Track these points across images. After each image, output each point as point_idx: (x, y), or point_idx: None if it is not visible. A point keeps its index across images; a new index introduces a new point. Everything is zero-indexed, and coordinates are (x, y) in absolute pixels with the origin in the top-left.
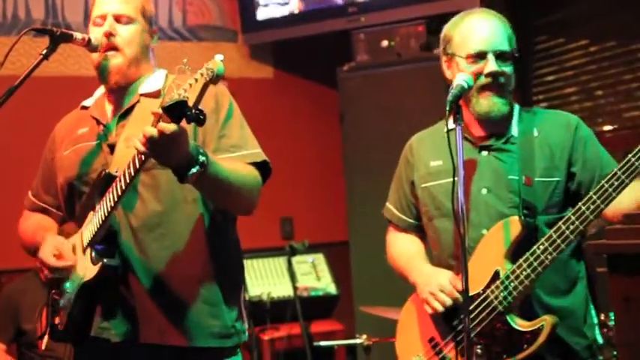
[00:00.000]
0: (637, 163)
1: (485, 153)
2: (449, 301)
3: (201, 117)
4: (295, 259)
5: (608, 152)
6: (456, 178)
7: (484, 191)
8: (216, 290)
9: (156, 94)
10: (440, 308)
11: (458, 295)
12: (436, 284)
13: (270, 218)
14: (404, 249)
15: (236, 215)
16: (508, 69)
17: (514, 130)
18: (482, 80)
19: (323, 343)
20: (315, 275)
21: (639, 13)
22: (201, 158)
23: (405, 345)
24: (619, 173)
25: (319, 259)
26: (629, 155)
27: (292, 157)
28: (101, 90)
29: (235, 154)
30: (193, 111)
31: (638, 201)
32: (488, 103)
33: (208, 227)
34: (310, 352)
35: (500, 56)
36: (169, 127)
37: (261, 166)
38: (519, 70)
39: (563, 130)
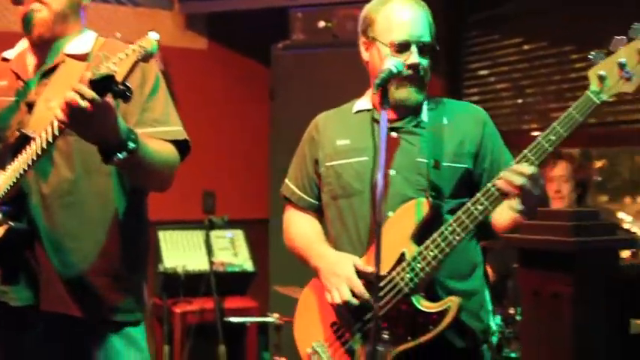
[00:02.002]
0: (546, 145)
1: (394, 135)
2: (349, 295)
3: (128, 93)
4: (214, 234)
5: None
6: (359, 159)
7: (392, 172)
8: (120, 264)
9: (82, 57)
10: (351, 300)
11: (361, 288)
12: (344, 277)
13: (192, 191)
14: (303, 230)
15: (149, 191)
16: (426, 61)
17: (424, 115)
18: (404, 71)
19: (234, 319)
20: (232, 251)
21: (572, 15)
22: (131, 145)
23: (305, 330)
24: (528, 155)
25: (238, 235)
26: (539, 137)
27: (220, 131)
28: (25, 43)
29: (157, 129)
30: (120, 86)
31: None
32: (406, 94)
33: (119, 200)
34: (221, 328)
35: (422, 48)
36: (91, 92)
37: (181, 143)
38: (452, 64)
39: (472, 123)
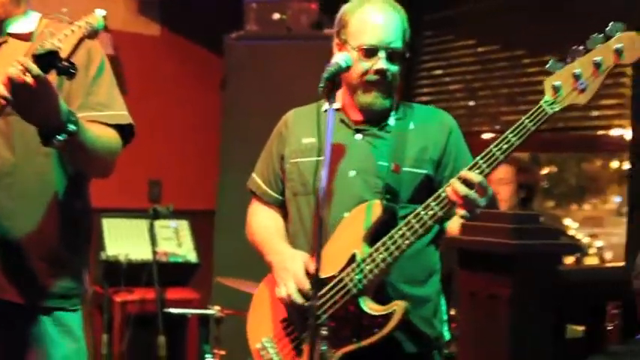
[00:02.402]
0: (498, 154)
1: (359, 136)
2: (299, 299)
3: (72, 70)
4: (158, 223)
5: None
6: (321, 158)
7: (352, 173)
8: (59, 249)
9: (26, 37)
10: (296, 298)
11: (308, 286)
12: (292, 273)
13: (138, 179)
14: (264, 224)
15: (90, 177)
16: (395, 68)
17: (391, 120)
18: (370, 76)
19: (174, 310)
20: (176, 241)
21: (526, 19)
22: (71, 127)
23: (257, 324)
24: (480, 162)
25: (183, 225)
26: (491, 146)
27: (170, 119)
28: None
29: (100, 112)
30: (64, 63)
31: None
32: (372, 99)
33: (60, 183)
34: (162, 318)
35: (391, 54)
36: (35, 67)
37: (125, 128)
38: (407, 62)
39: (437, 129)
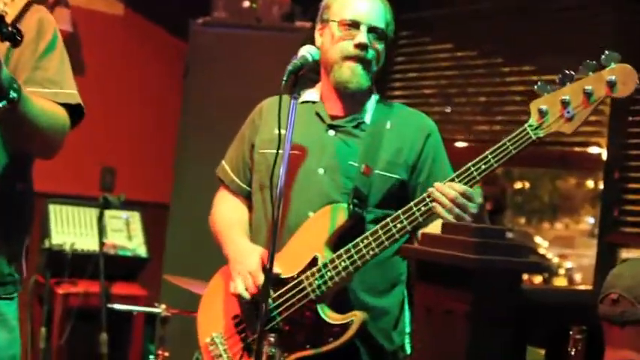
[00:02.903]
0: (475, 173)
1: (332, 133)
2: (252, 288)
3: (18, 37)
4: (109, 214)
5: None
6: (280, 152)
7: (321, 171)
8: None
9: None
10: (244, 292)
11: (260, 286)
12: (247, 268)
13: (90, 165)
14: (228, 215)
15: (34, 157)
16: (379, 46)
17: (367, 117)
18: (350, 50)
19: (118, 307)
20: (126, 234)
21: (507, 26)
22: (13, 94)
23: (208, 319)
24: (456, 180)
25: (134, 217)
26: (469, 164)
27: (129, 104)
28: None
29: (48, 90)
30: (10, 28)
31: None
32: (351, 73)
33: (1, 167)
34: (106, 314)
35: (373, 31)
36: None
37: (73, 110)
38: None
39: (416, 132)
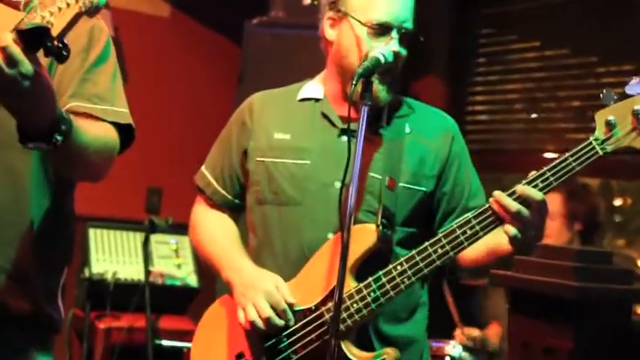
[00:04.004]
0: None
1: (345, 139)
2: (272, 313)
3: (64, 52)
4: (155, 238)
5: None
6: (302, 162)
7: (337, 185)
8: (28, 263)
9: (15, 5)
10: (259, 321)
11: (286, 307)
12: (261, 290)
13: (135, 185)
14: (217, 233)
15: (78, 180)
16: (405, 51)
17: (383, 119)
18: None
19: (166, 343)
20: (175, 261)
21: (602, 19)
22: (57, 137)
23: (204, 358)
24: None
25: (184, 242)
26: (523, 182)
27: (176, 116)
28: None
29: (97, 106)
30: (55, 43)
31: (487, 246)
32: (377, 89)
33: (38, 186)
34: (152, 351)
35: (403, 35)
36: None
37: (124, 130)
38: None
39: (439, 136)
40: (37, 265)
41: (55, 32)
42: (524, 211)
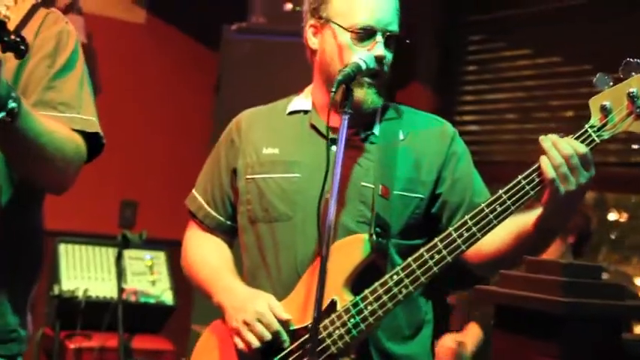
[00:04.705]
0: (527, 187)
1: (335, 149)
2: (267, 335)
3: (22, 47)
4: (128, 254)
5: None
6: (291, 175)
7: (329, 196)
8: (1, 283)
9: None
10: (256, 343)
11: (279, 326)
12: (253, 311)
13: (108, 198)
14: (209, 257)
15: (43, 190)
16: (391, 55)
17: (376, 128)
18: None
19: None
20: (150, 277)
21: (596, 25)
22: (12, 104)
23: None
24: (504, 197)
25: (159, 258)
26: (520, 177)
27: (151, 126)
28: None
29: (63, 114)
30: (12, 37)
31: (512, 234)
32: (364, 95)
33: (6, 202)
34: None
35: (389, 38)
36: None
37: (91, 140)
38: (446, 74)
39: (435, 140)
40: (2, 281)
41: (11, 25)
42: (575, 157)
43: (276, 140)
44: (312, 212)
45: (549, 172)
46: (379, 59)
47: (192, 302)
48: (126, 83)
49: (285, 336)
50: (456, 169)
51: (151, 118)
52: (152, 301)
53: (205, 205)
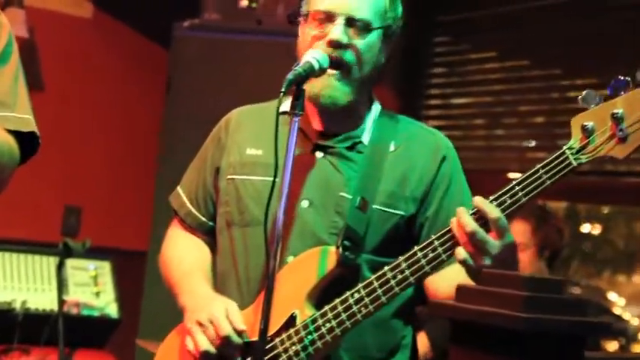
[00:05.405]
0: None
1: (320, 155)
2: (216, 339)
3: None
4: (71, 263)
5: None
6: (277, 180)
7: (304, 204)
8: None
9: None
10: (204, 344)
11: (231, 331)
12: (208, 313)
13: (49, 204)
14: (184, 257)
15: None
16: (362, 44)
17: (365, 135)
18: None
19: None
20: (93, 289)
21: (568, 26)
22: None
23: None
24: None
25: (104, 268)
26: (490, 198)
27: (97, 127)
28: None
29: None
30: None
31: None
32: (322, 84)
33: None
34: None
35: (352, 24)
36: None
37: (26, 139)
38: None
39: (427, 155)
40: None
41: None
42: (481, 233)
43: (261, 141)
44: (286, 219)
45: (457, 254)
46: (333, 44)
47: (139, 315)
48: (70, 81)
49: (235, 342)
50: (445, 195)
51: (96, 118)
52: (95, 313)
53: (188, 204)
